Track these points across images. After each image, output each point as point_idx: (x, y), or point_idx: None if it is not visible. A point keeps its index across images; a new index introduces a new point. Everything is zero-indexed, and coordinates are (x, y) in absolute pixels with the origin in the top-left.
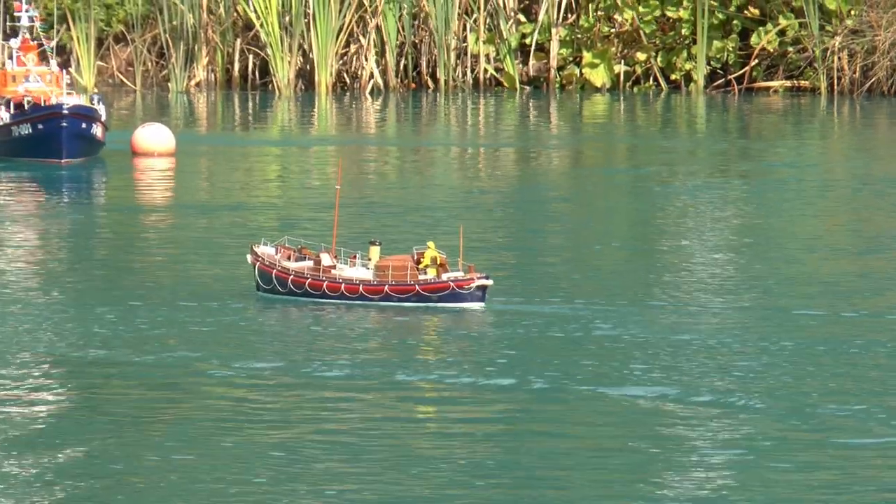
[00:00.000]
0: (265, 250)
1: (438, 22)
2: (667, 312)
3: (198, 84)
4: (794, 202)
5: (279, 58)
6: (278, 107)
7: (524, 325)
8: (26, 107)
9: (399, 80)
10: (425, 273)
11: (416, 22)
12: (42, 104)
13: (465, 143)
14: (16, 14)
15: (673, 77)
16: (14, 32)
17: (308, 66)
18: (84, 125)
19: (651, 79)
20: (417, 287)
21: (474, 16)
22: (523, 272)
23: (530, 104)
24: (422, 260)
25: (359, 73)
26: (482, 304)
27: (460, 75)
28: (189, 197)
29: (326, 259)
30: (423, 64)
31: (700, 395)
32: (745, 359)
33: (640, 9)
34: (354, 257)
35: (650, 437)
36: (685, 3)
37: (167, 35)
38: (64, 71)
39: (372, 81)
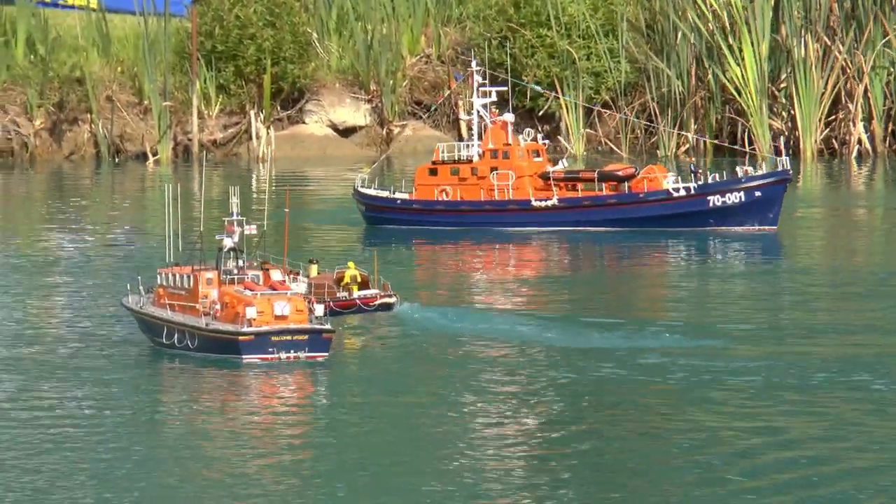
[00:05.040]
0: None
1: None
2: None
3: (686, 150)
4: None
5: (759, 125)
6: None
7: None
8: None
9: (887, 146)
10: (346, 290)
11: None
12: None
13: None
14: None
15: None
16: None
17: (795, 132)
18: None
19: None
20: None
21: None
22: None
23: None
24: (343, 278)
25: (847, 138)
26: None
27: None
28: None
29: (277, 274)
30: None
31: None
32: None
33: None
34: (297, 274)
35: None
36: None
37: (655, 102)
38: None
39: (859, 147)
